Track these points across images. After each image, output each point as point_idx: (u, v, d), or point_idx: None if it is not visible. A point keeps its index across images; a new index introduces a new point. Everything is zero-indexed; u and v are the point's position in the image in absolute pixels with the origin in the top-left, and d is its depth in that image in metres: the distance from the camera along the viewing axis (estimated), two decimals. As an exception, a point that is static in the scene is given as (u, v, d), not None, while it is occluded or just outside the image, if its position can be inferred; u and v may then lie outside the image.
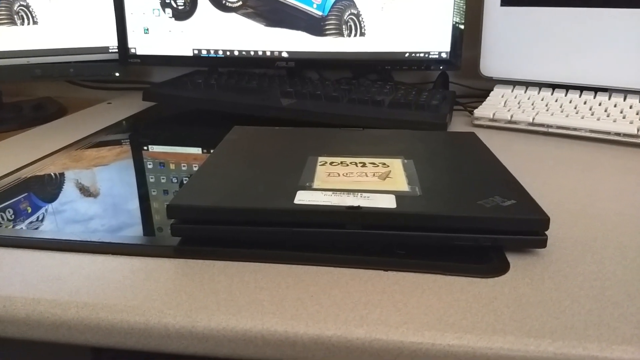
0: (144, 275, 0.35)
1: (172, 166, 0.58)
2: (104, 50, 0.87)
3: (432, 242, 0.38)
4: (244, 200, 0.39)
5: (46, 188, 0.51)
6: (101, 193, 0.50)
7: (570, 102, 0.72)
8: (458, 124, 0.73)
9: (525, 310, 0.32)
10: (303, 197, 0.40)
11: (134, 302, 0.33)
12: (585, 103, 0.71)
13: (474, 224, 0.37)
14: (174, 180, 0.53)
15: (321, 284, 0.35)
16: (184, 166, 0.58)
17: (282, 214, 0.38)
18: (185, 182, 0.49)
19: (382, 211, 0.38)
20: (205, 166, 0.47)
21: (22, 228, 0.42)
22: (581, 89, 0.74)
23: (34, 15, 0.81)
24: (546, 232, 0.38)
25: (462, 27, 0.76)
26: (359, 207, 0.38)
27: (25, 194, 0.50)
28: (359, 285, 0.35)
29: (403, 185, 0.43)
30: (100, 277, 0.35)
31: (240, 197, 0.40)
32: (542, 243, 0.38)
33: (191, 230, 0.39)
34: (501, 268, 0.36)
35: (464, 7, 0.75)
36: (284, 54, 0.81)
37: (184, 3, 0.81)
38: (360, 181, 0.44)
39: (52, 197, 0.49)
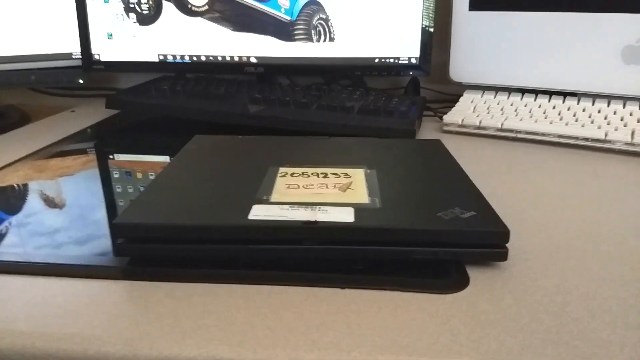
0: (87, 300, 0.34)
1: (139, 175, 0.56)
2: (67, 56, 0.84)
3: (390, 257, 0.37)
4: (196, 217, 0.38)
5: (7, 200, 0.49)
6: (62, 205, 0.48)
7: (539, 107, 0.71)
8: (428, 130, 0.72)
9: (483, 328, 0.31)
10: (258, 212, 0.39)
11: (73, 330, 0.31)
12: (554, 108, 0.71)
13: (433, 237, 0.36)
14: (141, 189, 0.51)
15: (274, 305, 0.33)
16: (151, 175, 0.56)
17: (235, 231, 0.37)
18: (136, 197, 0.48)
19: (339, 225, 0.37)
20: (157, 179, 0.45)
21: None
22: (550, 93, 0.74)
23: (-9, 21, 0.78)
24: (507, 245, 0.37)
25: (431, 31, 0.75)
26: (315, 222, 0.37)
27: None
28: (313, 305, 0.33)
29: (363, 197, 0.41)
30: (40, 302, 0.33)
31: (191, 213, 0.38)
32: (503, 256, 0.37)
33: (139, 249, 0.37)
34: (461, 283, 0.35)
35: (433, 11, 0.75)
36: (253, 59, 0.80)
37: (149, 8, 0.79)
38: (320, 193, 0.42)
39: (12, 209, 0.47)
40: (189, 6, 0.78)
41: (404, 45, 0.76)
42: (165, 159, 0.61)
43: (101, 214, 0.46)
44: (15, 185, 0.53)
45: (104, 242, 0.40)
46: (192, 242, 0.37)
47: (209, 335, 0.30)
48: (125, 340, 0.30)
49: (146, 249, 0.37)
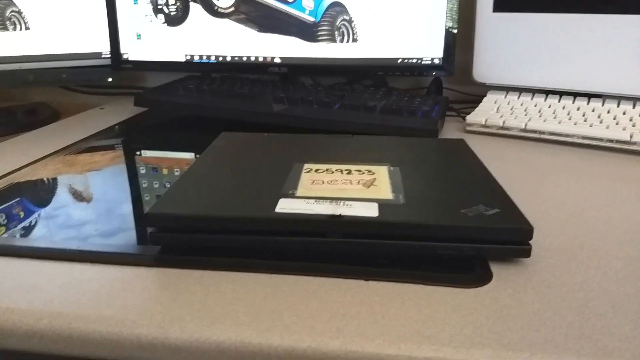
0: (120, 285, 0.35)
1: (164, 171, 0.57)
2: (97, 55, 0.87)
3: (413, 252, 0.38)
4: (225, 209, 0.39)
5: (36, 193, 0.51)
6: (91, 199, 0.49)
7: (564, 108, 0.71)
8: (450, 130, 0.73)
9: (505, 322, 0.31)
10: (285, 206, 0.40)
11: (107, 313, 0.32)
12: (578, 109, 0.70)
13: (457, 233, 0.37)
14: (167, 184, 0.53)
15: (299, 294, 0.34)
16: (177, 171, 0.57)
17: (263, 223, 0.38)
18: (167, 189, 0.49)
19: (364, 220, 0.37)
20: (188, 173, 0.46)
21: (4, 233, 0.42)
22: (574, 95, 0.73)
23: (25, 21, 0.81)
24: (530, 242, 0.37)
25: (454, 32, 0.75)
26: (340, 215, 0.38)
27: (17, 198, 0.49)
28: (338, 295, 0.34)
29: (387, 194, 0.42)
30: (75, 286, 0.35)
31: (221, 206, 0.39)
32: (526, 253, 0.37)
33: (170, 239, 0.38)
34: (484, 278, 0.36)
35: (457, 12, 0.75)
36: (277, 60, 0.81)
37: (176, 9, 0.81)
38: (344, 189, 0.43)
39: (42, 202, 0.49)
40: (216, 7, 0.80)
41: (427, 45, 0.76)
42: (190, 156, 0.63)
43: (129, 207, 0.47)
44: (45, 179, 0.55)
45: (133, 234, 0.42)
46: (221, 232, 0.38)
47: (237, 320, 0.31)
48: (157, 323, 0.31)
49: (177, 239, 0.38)
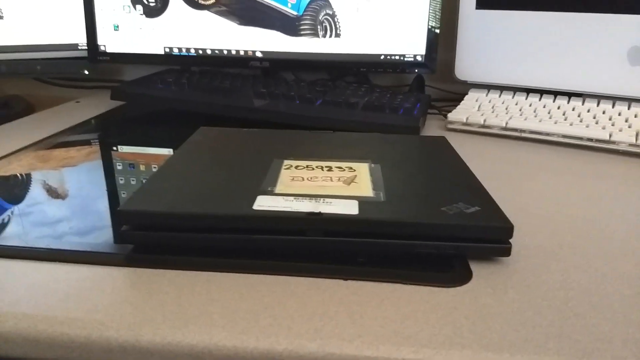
0: (90, 285, 0.34)
1: (142, 167, 0.56)
2: (73, 47, 0.84)
3: (394, 250, 0.37)
4: (200, 206, 0.38)
5: (8, 189, 0.49)
6: (66, 195, 0.48)
7: (544, 106, 0.71)
8: (432, 128, 0.72)
9: (485, 322, 0.31)
10: (263, 203, 0.39)
11: (76, 314, 0.31)
12: (558, 108, 0.71)
13: (437, 231, 0.36)
14: (144, 181, 0.51)
15: (277, 294, 0.33)
16: (154, 167, 0.56)
17: (240, 220, 0.37)
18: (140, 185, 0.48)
19: (344, 217, 0.37)
20: (162, 169, 0.45)
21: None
22: (555, 93, 0.74)
23: (-2, 10, 0.78)
24: (510, 240, 0.37)
25: (437, 29, 0.75)
26: (319, 213, 0.37)
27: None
28: (316, 295, 0.33)
29: (367, 191, 0.41)
30: (43, 286, 0.34)
31: (196, 202, 0.38)
32: (506, 251, 0.37)
33: (143, 237, 0.37)
34: (463, 277, 0.35)
35: (440, 9, 0.75)
36: (258, 54, 0.80)
37: (155, 0, 0.79)
38: (325, 186, 0.42)
39: (13, 199, 0.47)
40: (196, -1, 0.78)
41: (410, 42, 0.76)
42: (168, 151, 0.61)
43: (104, 204, 0.46)
44: (18, 175, 0.53)
45: (107, 232, 0.40)
46: (197, 230, 0.37)
47: (212, 322, 0.30)
48: (128, 325, 0.30)
49: (150, 237, 0.37)
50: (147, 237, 0.37)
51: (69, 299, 0.32)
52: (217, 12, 0.79)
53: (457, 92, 0.84)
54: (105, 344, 0.29)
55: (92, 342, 0.30)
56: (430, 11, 0.74)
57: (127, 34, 0.81)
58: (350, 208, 0.38)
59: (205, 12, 0.79)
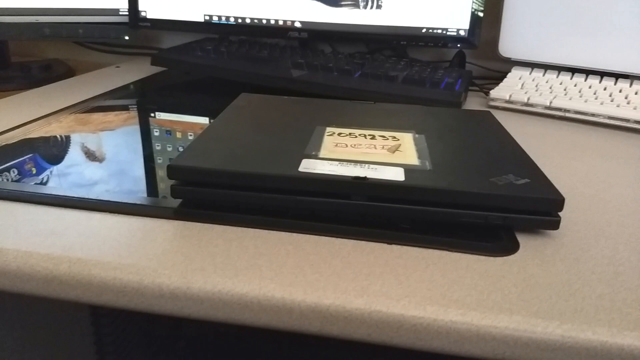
0: (141, 235, 0.34)
1: (178, 134, 0.56)
2: (114, 12, 0.85)
3: (439, 218, 0.37)
4: (247, 165, 0.38)
5: (50, 149, 0.50)
6: (105, 157, 0.49)
7: (590, 87, 0.69)
8: (473, 104, 0.71)
9: (534, 290, 0.31)
10: (308, 166, 0.39)
11: (128, 261, 0.31)
12: (605, 89, 0.68)
13: (485, 201, 0.36)
14: (180, 148, 0.52)
15: (322, 253, 0.33)
16: (190, 135, 0.56)
17: (286, 181, 0.37)
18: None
19: (390, 183, 0.37)
20: (209, 130, 0.45)
21: (20, 183, 0.41)
22: (602, 74, 0.71)
23: (44, -28, 0.79)
24: (559, 214, 0.36)
25: (482, 5, 0.73)
26: (365, 177, 0.37)
27: (30, 154, 0.49)
28: (361, 256, 0.33)
29: (413, 159, 0.41)
30: (96, 234, 0.34)
31: (243, 162, 0.38)
32: (555, 224, 0.36)
33: (192, 192, 0.38)
34: (510, 247, 0.35)
35: (486, -17, 0.73)
36: (297, 24, 0.79)
37: (198, -34, 0.79)
38: (369, 153, 0.42)
39: (56, 159, 0.48)
40: (238, -34, 0.78)
41: (453, 16, 0.74)
42: (204, 119, 0.62)
43: (141, 167, 0.46)
44: (59, 137, 0.54)
45: (147, 192, 0.41)
46: (243, 188, 0.37)
47: (260, 274, 0.31)
48: (180, 272, 0.30)
49: (199, 193, 0.37)
50: (195, 193, 0.37)
51: (121, 247, 0.33)
52: (258, -19, 0.78)
53: (498, 70, 0.83)
54: (157, 290, 0.30)
55: (144, 287, 0.30)
56: (477, -15, 0.72)
57: (168, 0, 0.81)
58: (397, 174, 0.38)
59: (247, -20, 0.78)
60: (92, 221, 0.36)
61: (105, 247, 0.33)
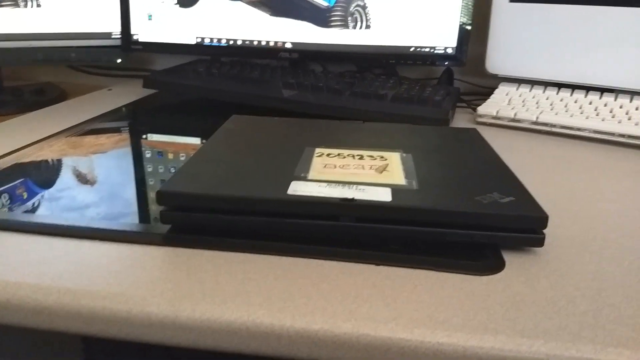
0: (130, 262, 0.35)
1: (170, 155, 0.57)
2: (107, 36, 0.86)
3: (426, 237, 0.37)
4: (237, 189, 0.38)
5: (41, 173, 0.51)
6: (97, 180, 0.49)
7: (576, 102, 0.70)
8: (461, 121, 0.72)
9: (519, 309, 0.31)
10: (297, 188, 0.39)
11: (117, 289, 0.32)
12: (590, 103, 0.70)
13: (470, 219, 0.36)
14: (172, 169, 0.53)
15: (311, 276, 0.34)
16: (182, 156, 0.57)
17: (275, 204, 0.37)
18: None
19: (377, 204, 0.37)
20: (199, 153, 0.46)
21: (10, 211, 0.42)
22: (587, 89, 0.72)
23: (36, -2, 0.80)
24: (544, 231, 0.37)
25: (469, 22, 0.74)
26: (353, 199, 0.37)
27: (21, 178, 0.49)
28: (349, 278, 0.34)
29: (400, 179, 0.42)
30: (85, 263, 0.35)
31: (232, 186, 0.39)
32: (540, 242, 0.37)
33: (181, 217, 0.38)
34: (496, 266, 0.35)
35: (472, 2, 0.74)
36: (288, 45, 0.80)
37: (188, -10, 0.80)
38: (357, 173, 0.43)
39: (47, 183, 0.48)
40: (228, -10, 0.79)
41: (440, 34, 0.75)
42: (196, 140, 0.62)
43: (136, 189, 0.47)
44: (50, 160, 0.55)
45: (138, 215, 0.41)
46: (233, 212, 0.38)
47: (249, 300, 0.31)
48: (168, 301, 0.31)
49: (188, 218, 0.38)
50: (185, 218, 0.38)
51: (110, 275, 0.33)
52: (249, 3, 0.79)
53: (485, 86, 0.84)
54: (145, 319, 0.30)
55: (133, 317, 0.31)
56: (462, 4, 0.74)
57: (160, 23, 0.82)
58: (384, 195, 0.38)
59: (238, 2, 0.79)
60: (82, 249, 0.36)
61: (95, 276, 0.33)
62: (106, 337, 0.31)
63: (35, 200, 0.44)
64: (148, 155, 0.57)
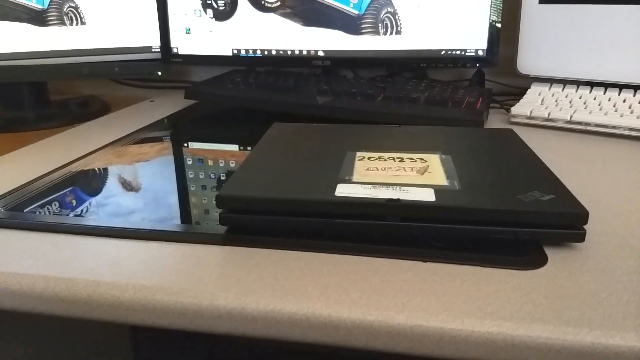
0: (195, 261, 0.38)
1: (210, 162, 0.60)
2: (147, 50, 0.90)
3: (470, 236, 0.39)
4: (288, 192, 0.41)
5: (95, 182, 0.54)
6: (145, 188, 0.52)
7: (609, 100, 0.71)
8: (494, 122, 0.73)
9: (563, 301, 0.33)
10: (343, 190, 0.42)
11: (187, 285, 0.35)
12: (624, 101, 0.70)
13: (513, 217, 0.38)
14: (212, 176, 0.55)
15: (362, 272, 0.36)
16: (221, 162, 0.60)
17: (325, 205, 0.40)
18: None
19: (421, 204, 0.39)
20: (249, 160, 0.49)
21: (79, 217, 0.45)
22: (620, 87, 0.73)
23: (82, 16, 0.85)
24: (584, 227, 0.38)
25: (499, 24, 0.76)
26: (398, 199, 0.39)
27: (76, 187, 0.53)
28: (398, 274, 0.36)
29: (441, 180, 0.44)
30: (154, 262, 0.38)
31: (284, 189, 0.42)
32: (581, 237, 0.38)
33: (238, 219, 0.41)
34: (539, 261, 0.37)
35: (501, 4, 0.75)
36: (320, 53, 0.83)
37: (225, 4, 0.83)
38: (399, 175, 0.45)
39: (101, 191, 0.52)
40: (263, 2, 0.82)
41: (471, 37, 0.77)
42: (234, 147, 0.65)
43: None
44: (98, 169, 0.58)
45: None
46: (286, 214, 0.40)
47: (307, 294, 0.33)
48: (234, 295, 0.33)
49: (244, 219, 0.41)
50: (241, 220, 0.41)
51: (178, 272, 0.36)
52: (282, 14, 0.82)
53: (517, 86, 0.85)
54: (215, 311, 0.33)
55: (203, 310, 0.33)
56: (492, 6, 0.75)
57: (198, 36, 0.86)
58: (427, 195, 0.40)
59: (271, 14, 0.82)
60: (149, 250, 0.39)
61: (165, 274, 0.36)
62: (177, 329, 0.34)
63: (93, 206, 0.48)
64: (190, 162, 0.60)
